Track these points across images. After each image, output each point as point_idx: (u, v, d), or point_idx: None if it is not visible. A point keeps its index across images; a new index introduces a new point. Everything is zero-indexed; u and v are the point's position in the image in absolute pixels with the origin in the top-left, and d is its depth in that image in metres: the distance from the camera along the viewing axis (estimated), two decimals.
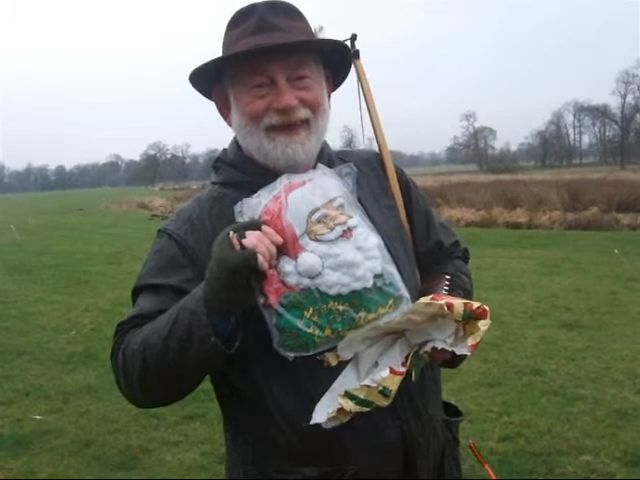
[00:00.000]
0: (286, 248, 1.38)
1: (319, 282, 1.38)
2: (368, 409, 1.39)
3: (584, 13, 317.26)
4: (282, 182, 1.47)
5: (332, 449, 1.54)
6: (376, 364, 1.44)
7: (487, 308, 1.40)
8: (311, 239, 1.39)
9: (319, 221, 1.40)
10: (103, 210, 47.88)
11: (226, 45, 1.69)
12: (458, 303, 1.39)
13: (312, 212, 1.40)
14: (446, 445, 1.82)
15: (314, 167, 1.64)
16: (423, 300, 1.39)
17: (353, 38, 1.89)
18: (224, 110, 1.75)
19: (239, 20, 1.67)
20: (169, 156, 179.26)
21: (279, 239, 1.37)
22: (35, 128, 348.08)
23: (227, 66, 1.65)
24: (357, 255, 1.40)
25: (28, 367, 7.51)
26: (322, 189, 1.45)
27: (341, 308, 1.39)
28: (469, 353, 1.39)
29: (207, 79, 1.71)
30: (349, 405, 1.37)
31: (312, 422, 1.41)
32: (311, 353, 1.41)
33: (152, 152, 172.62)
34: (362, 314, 1.41)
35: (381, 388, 1.37)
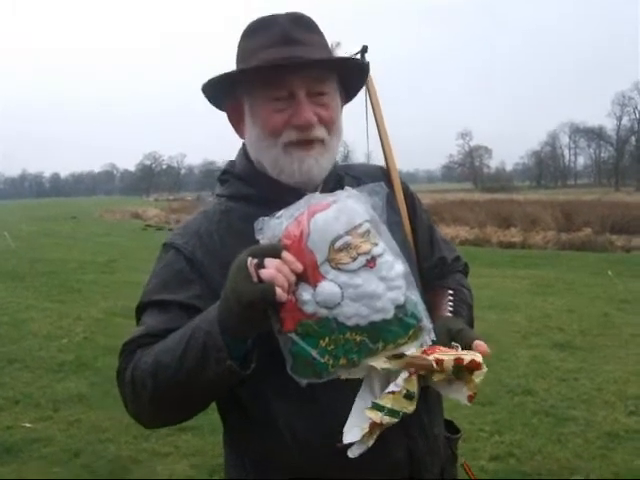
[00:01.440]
0: (306, 275, 1.33)
1: (337, 312, 1.33)
2: (396, 420, 1.36)
3: (582, 35, 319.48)
4: (305, 203, 1.41)
5: (339, 468, 1.50)
6: (389, 381, 1.43)
7: (480, 360, 1.38)
8: (332, 267, 1.33)
9: (342, 249, 1.34)
10: (97, 219, 47.77)
11: (243, 55, 1.66)
12: (448, 359, 1.37)
13: (335, 239, 1.34)
14: (446, 461, 1.82)
15: (324, 183, 1.64)
16: (412, 353, 1.37)
17: (364, 50, 1.87)
18: (236, 121, 1.73)
19: (258, 30, 1.65)
20: (164, 166, 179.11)
21: (299, 267, 1.31)
22: (31, 134, 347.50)
23: (245, 77, 1.63)
24: (379, 286, 1.35)
25: (19, 375, 7.46)
26: (347, 214, 1.37)
27: (358, 339, 1.34)
28: (468, 403, 1.39)
29: (220, 89, 1.68)
30: (379, 417, 1.35)
31: (346, 441, 1.38)
32: (324, 380, 1.37)
33: (147, 162, 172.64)
34: (380, 344, 1.36)
35: (405, 391, 1.35)
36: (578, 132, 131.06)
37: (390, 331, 1.36)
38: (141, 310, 1.64)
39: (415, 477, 1.65)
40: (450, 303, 1.76)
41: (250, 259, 1.30)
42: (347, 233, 1.35)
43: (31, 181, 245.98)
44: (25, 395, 6.74)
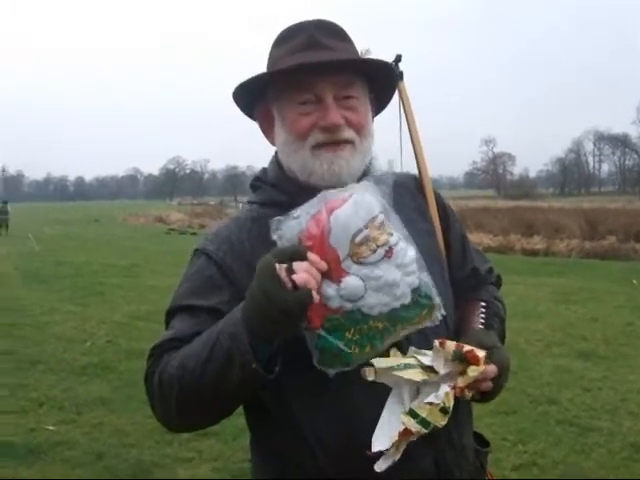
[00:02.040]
0: (329, 272, 1.34)
1: (361, 304, 1.35)
2: (426, 431, 1.36)
3: (607, 41, 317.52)
4: (321, 200, 1.41)
5: (364, 477, 1.48)
6: (418, 391, 1.43)
7: (480, 355, 1.40)
8: (354, 262, 1.35)
9: (362, 243, 1.36)
10: (120, 223, 48.10)
11: (272, 62, 1.67)
12: (450, 342, 1.40)
13: (356, 234, 1.36)
14: (475, 474, 1.80)
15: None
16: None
17: (398, 59, 1.86)
18: (267, 127, 1.73)
19: (287, 38, 1.66)
20: (188, 171, 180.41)
21: (324, 266, 1.33)
22: (55, 137, 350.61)
23: (273, 82, 1.64)
24: (397, 274, 1.37)
25: (42, 377, 7.53)
26: (364, 208, 1.39)
27: (380, 326, 1.37)
28: (448, 390, 1.39)
29: (250, 96, 1.69)
30: (411, 423, 1.35)
31: (374, 450, 1.37)
32: (351, 368, 1.40)
33: (171, 167, 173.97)
34: (399, 326, 1.40)
35: (442, 405, 1.36)
36: (602, 139, 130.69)
37: (407, 313, 1.40)
38: (171, 315, 1.65)
39: None
40: (482, 315, 1.75)
41: (279, 265, 1.29)
42: (366, 226, 1.37)
43: (56, 184, 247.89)
44: (49, 397, 6.79)
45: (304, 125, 1.59)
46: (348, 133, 1.60)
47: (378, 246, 1.37)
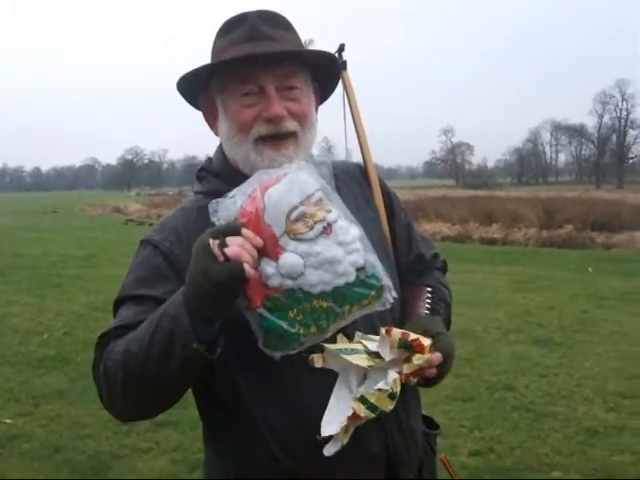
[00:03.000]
0: (266, 250, 1.35)
1: (301, 282, 1.35)
2: (374, 415, 1.38)
3: (564, 33, 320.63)
4: (256, 180, 1.43)
5: (317, 462, 1.50)
6: (364, 376, 1.45)
7: (425, 344, 1.42)
8: (291, 239, 1.36)
9: (298, 220, 1.36)
10: (78, 213, 47.57)
11: (215, 52, 1.68)
12: (396, 330, 1.42)
13: (291, 211, 1.37)
14: (424, 457, 1.83)
15: None
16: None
17: (341, 49, 1.88)
18: (211, 118, 1.74)
19: (230, 28, 1.66)
20: (146, 161, 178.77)
21: (260, 242, 1.33)
22: (11, 127, 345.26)
23: (216, 73, 1.65)
24: (338, 251, 1.37)
25: None
26: (298, 185, 1.40)
27: (325, 305, 1.37)
28: (396, 376, 1.41)
29: (194, 86, 1.70)
30: (362, 409, 1.37)
31: (324, 434, 1.40)
32: (297, 350, 1.40)
33: (129, 157, 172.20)
34: (346, 307, 1.40)
35: (390, 391, 1.37)
36: (559, 129, 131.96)
37: (354, 293, 1.40)
38: (118, 305, 1.65)
39: (392, 471, 1.66)
40: (428, 301, 1.77)
41: (212, 240, 1.31)
42: (301, 203, 1.38)
43: (11, 175, 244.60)
44: (5, 390, 6.72)
45: (247, 117, 1.60)
46: (291, 124, 1.62)
47: (315, 222, 1.37)
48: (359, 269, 1.40)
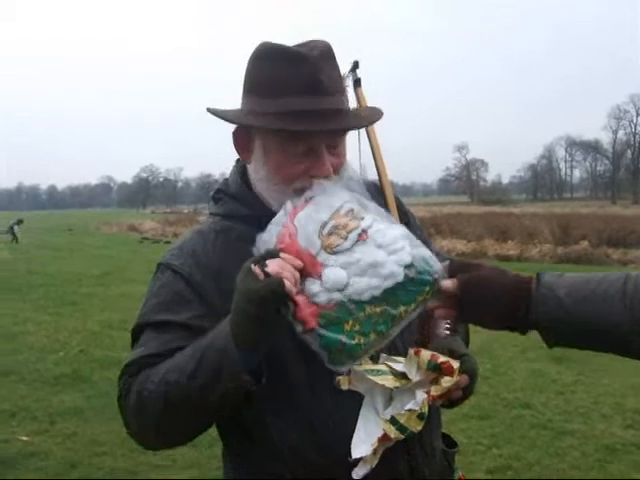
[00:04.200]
0: (308, 270, 1.35)
1: (349, 292, 1.34)
2: (403, 436, 1.37)
3: (577, 48, 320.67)
4: (286, 209, 1.45)
5: None
6: (390, 398, 1.44)
7: (455, 367, 1.40)
8: (329, 253, 1.36)
9: (331, 234, 1.38)
10: (93, 231, 47.78)
11: (258, 83, 1.59)
12: (425, 352, 1.40)
13: (322, 227, 1.38)
14: (443, 474, 1.81)
15: None
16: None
17: (355, 66, 1.87)
18: (243, 151, 1.67)
19: (282, 60, 1.55)
20: (161, 179, 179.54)
21: (299, 263, 1.33)
22: (27, 146, 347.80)
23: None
24: (379, 254, 1.37)
25: (15, 387, 7.46)
26: (325, 203, 1.42)
27: (379, 310, 1.36)
28: (425, 396, 1.39)
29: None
30: (392, 430, 1.36)
31: (355, 456, 1.37)
32: (362, 360, 1.39)
33: (144, 175, 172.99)
34: (401, 308, 1.38)
35: (419, 411, 1.36)
36: (574, 145, 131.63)
37: (407, 292, 1.39)
38: (138, 331, 1.61)
39: None
40: (447, 322, 1.76)
41: (253, 265, 1.31)
42: (331, 218, 1.40)
43: (27, 193, 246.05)
44: (21, 408, 6.73)
45: (294, 173, 1.56)
46: (331, 177, 1.58)
47: (348, 232, 1.38)
48: (407, 267, 1.38)
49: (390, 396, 1.43)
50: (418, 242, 1.44)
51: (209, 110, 1.62)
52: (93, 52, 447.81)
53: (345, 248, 1.37)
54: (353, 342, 1.35)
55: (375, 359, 1.46)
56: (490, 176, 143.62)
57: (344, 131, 1.62)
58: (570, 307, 1.33)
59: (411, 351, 1.41)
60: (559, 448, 5.47)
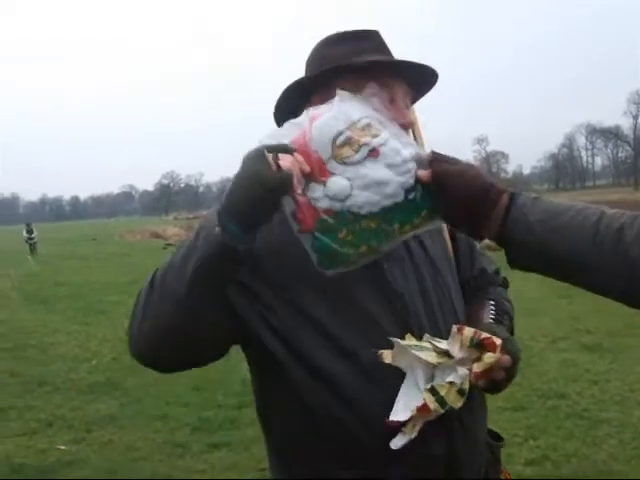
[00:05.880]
0: (314, 174, 1.38)
1: (349, 204, 1.38)
2: (442, 411, 1.39)
3: (595, 34, 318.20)
4: (306, 115, 1.46)
5: (378, 455, 1.48)
6: (432, 375, 1.45)
7: (497, 342, 1.41)
8: (338, 163, 1.39)
9: (344, 144, 1.39)
10: (117, 240, 48.06)
11: (328, 59, 1.63)
12: (468, 329, 1.42)
13: (336, 136, 1.40)
14: (489, 467, 1.80)
15: None
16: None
17: None
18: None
19: (350, 39, 1.65)
20: (182, 185, 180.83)
21: (307, 168, 1.37)
22: (49, 161, 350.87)
23: (341, 76, 1.60)
24: (387, 172, 1.39)
25: (50, 397, 7.50)
26: (344, 113, 1.43)
27: (373, 225, 1.40)
28: (467, 372, 1.41)
29: (295, 99, 1.65)
30: (431, 400, 1.38)
31: (392, 419, 1.40)
32: (350, 269, 1.44)
33: (165, 182, 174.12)
34: (395, 226, 1.42)
35: (460, 387, 1.39)
36: (595, 133, 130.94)
37: (404, 212, 1.42)
38: None
39: (453, 474, 1.61)
40: (492, 312, 1.77)
41: (266, 152, 1.35)
42: (347, 129, 1.41)
43: (51, 205, 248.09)
44: (57, 417, 6.77)
45: None
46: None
47: (361, 146, 1.40)
48: (409, 190, 1.41)
49: (432, 374, 1.45)
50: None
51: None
52: (112, 74, 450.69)
53: (355, 161, 1.39)
54: (343, 250, 1.40)
55: (419, 338, 1.48)
56: (511, 167, 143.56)
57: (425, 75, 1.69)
58: (540, 234, 1.35)
59: (454, 328, 1.43)
60: (596, 437, 5.43)
